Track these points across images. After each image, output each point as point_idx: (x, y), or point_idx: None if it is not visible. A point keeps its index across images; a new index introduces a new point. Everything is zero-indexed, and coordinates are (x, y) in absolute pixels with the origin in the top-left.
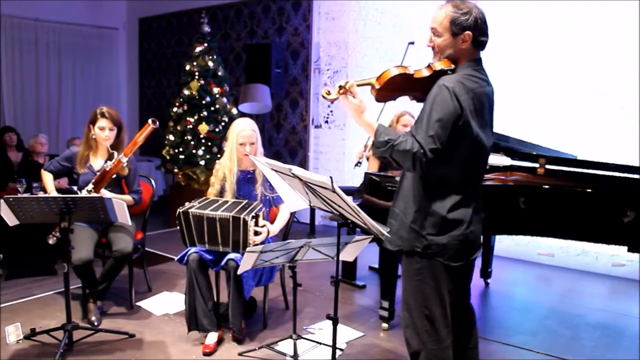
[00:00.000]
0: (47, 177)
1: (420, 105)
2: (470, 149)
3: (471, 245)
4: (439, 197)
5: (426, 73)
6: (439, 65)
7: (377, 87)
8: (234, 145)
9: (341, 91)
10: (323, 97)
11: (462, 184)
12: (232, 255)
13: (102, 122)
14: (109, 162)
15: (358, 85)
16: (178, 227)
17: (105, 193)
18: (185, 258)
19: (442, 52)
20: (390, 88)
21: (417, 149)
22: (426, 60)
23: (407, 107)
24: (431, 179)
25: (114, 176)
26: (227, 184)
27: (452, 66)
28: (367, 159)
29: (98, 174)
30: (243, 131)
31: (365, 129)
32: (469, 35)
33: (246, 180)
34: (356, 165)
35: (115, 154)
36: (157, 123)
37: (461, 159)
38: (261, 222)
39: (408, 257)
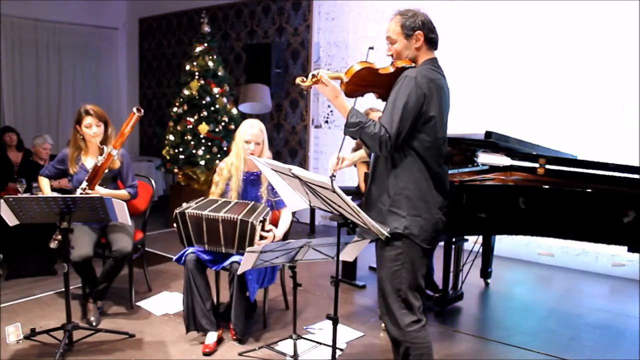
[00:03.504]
0: (44, 182)
1: (384, 104)
2: (433, 134)
3: (440, 231)
4: (415, 180)
5: (391, 70)
6: (401, 63)
7: (345, 80)
8: (241, 143)
9: (314, 79)
10: (298, 84)
11: (433, 168)
12: (235, 258)
13: (87, 120)
14: (100, 158)
15: (330, 78)
16: (175, 228)
17: (100, 190)
18: (183, 258)
19: (400, 56)
20: (358, 82)
21: (384, 132)
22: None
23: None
24: (403, 163)
25: (107, 172)
26: (233, 182)
27: (413, 64)
28: (355, 165)
29: (90, 170)
30: (251, 129)
31: (340, 110)
32: (420, 34)
33: (250, 181)
34: (331, 177)
35: (105, 148)
36: (142, 111)
37: (426, 143)
38: (267, 226)
39: (386, 244)
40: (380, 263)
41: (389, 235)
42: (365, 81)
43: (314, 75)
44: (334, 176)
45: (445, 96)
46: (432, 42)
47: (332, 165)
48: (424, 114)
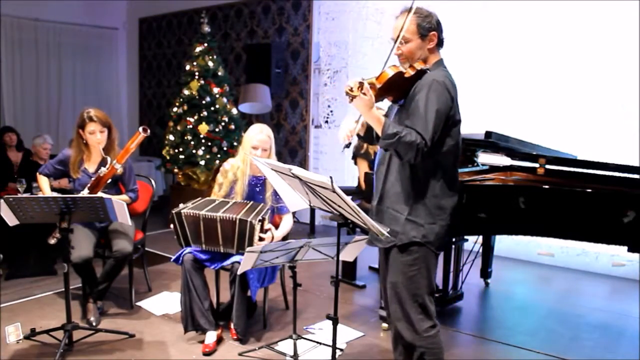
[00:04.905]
0: (43, 181)
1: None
2: (456, 138)
3: (447, 236)
4: (432, 187)
5: (412, 72)
6: (419, 66)
7: (378, 86)
8: (248, 148)
9: (360, 88)
10: (347, 93)
11: (449, 173)
12: (237, 258)
13: (91, 126)
14: (103, 169)
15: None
16: (173, 229)
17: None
18: (181, 259)
19: (412, 57)
20: (386, 88)
21: (420, 140)
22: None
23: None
24: (421, 170)
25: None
26: (238, 186)
27: (428, 66)
28: (355, 162)
29: (93, 179)
30: (259, 134)
31: (373, 122)
32: (435, 35)
33: (256, 186)
34: (346, 146)
35: (109, 159)
36: (148, 131)
37: (448, 148)
38: (266, 225)
39: (401, 251)
40: (394, 268)
41: (388, 236)
42: (392, 86)
43: (361, 84)
44: (349, 144)
45: None
46: (442, 43)
47: (349, 130)
48: (451, 117)
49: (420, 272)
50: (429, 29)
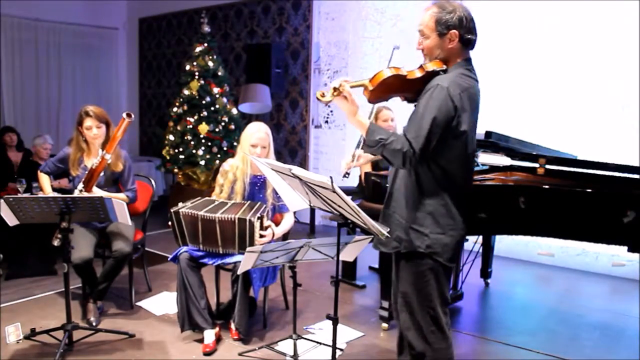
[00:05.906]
0: (44, 179)
1: (410, 105)
2: (462, 148)
3: (460, 247)
4: (437, 196)
5: (418, 74)
6: (430, 66)
7: (371, 88)
8: (247, 147)
9: (335, 93)
10: (318, 99)
11: (457, 183)
12: (239, 257)
13: (87, 122)
14: (94, 161)
15: (352, 87)
16: (171, 228)
17: (97, 192)
18: (177, 258)
19: (431, 54)
20: (383, 90)
21: (407, 148)
22: (414, 63)
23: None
24: (427, 178)
25: (104, 174)
26: (238, 186)
27: (444, 67)
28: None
29: (86, 172)
30: (258, 132)
31: (358, 127)
32: (455, 34)
33: (256, 185)
34: (344, 176)
35: (100, 151)
36: (132, 116)
37: (454, 158)
38: (266, 222)
39: (408, 261)
40: (403, 278)
41: (388, 236)
42: (391, 87)
43: (335, 89)
44: (348, 174)
45: (478, 104)
46: (468, 42)
47: (346, 162)
48: (454, 129)
49: (430, 284)
50: (449, 26)
